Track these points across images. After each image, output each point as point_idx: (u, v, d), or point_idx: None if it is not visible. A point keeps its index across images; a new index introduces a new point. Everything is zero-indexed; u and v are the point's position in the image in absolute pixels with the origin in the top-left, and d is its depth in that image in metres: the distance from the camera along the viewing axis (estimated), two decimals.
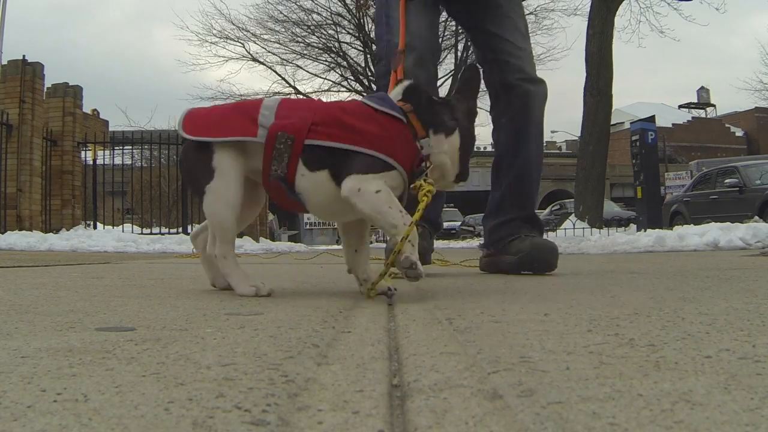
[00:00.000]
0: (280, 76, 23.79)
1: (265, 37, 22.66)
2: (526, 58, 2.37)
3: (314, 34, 21.38)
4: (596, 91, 10.58)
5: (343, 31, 21.60)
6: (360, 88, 21.18)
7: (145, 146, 11.93)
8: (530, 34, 2.56)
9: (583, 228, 9.47)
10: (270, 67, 23.72)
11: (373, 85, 17.95)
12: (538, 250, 2.10)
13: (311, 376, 0.60)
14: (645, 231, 7.56)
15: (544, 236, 2.52)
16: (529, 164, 2.32)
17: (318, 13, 21.06)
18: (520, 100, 2.32)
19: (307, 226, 37.68)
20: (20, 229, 7.77)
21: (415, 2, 2.19)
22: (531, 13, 22.31)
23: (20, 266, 3.11)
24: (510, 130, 2.36)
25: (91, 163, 10.16)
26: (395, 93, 1.46)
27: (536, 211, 2.47)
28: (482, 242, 2.49)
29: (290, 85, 23.89)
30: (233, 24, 22.80)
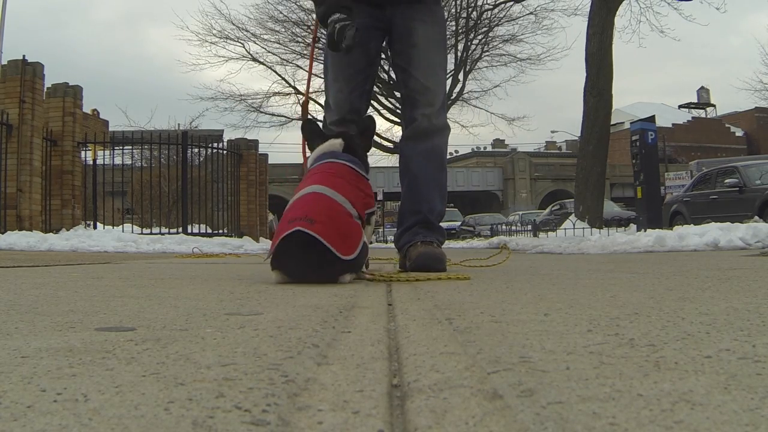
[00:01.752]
0: (280, 76, 23.78)
1: (265, 37, 22.65)
2: (432, 97, 2.60)
3: None
4: (596, 91, 10.58)
5: None
6: None
7: (145, 146, 11.92)
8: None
9: (583, 228, 9.47)
10: (270, 67, 23.69)
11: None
12: (424, 258, 2.37)
13: (311, 376, 0.60)
14: (645, 231, 7.56)
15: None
16: (417, 179, 2.60)
17: None
18: (420, 133, 2.60)
19: None
20: (20, 229, 7.76)
21: (348, 55, 2.42)
22: (531, 13, 22.35)
23: (20, 266, 3.11)
24: (408, 154, 2.63)
25: (91, 163, 10.15)
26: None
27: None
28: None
29: (290, 85, 23.90)
30: (233, 24, 22.78)
